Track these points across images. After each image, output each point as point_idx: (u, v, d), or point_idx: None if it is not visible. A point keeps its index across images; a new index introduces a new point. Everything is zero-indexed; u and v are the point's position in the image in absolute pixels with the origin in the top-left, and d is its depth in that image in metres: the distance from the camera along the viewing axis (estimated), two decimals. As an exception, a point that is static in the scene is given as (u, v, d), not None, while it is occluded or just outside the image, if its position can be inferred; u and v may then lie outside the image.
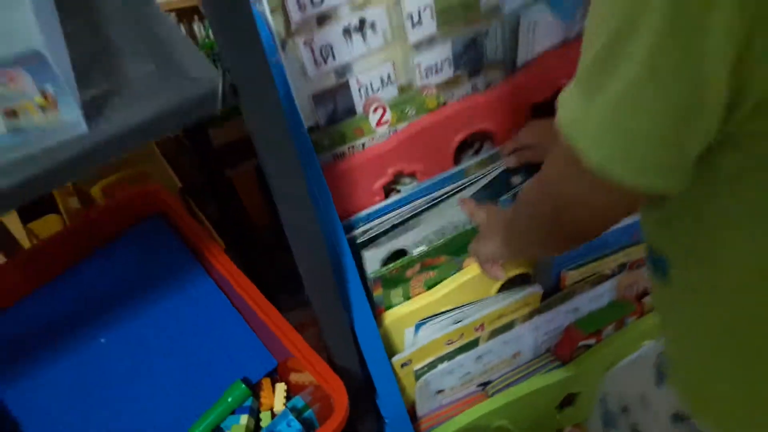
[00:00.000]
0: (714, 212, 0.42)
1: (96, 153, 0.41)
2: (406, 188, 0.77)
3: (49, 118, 0.39)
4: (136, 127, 0.41)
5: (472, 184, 0.76)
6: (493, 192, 0.79)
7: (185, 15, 1.09)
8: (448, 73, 0.71)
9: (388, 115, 0.71)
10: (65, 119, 0.39)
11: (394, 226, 0.75)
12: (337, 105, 0.68)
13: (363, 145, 0.72)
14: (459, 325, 0.82)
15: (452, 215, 0.78)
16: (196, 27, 1.14)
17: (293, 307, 1.01)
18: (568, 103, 0.39)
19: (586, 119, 0.37)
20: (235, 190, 1.12)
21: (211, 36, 1.08)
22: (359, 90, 0.68)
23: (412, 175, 0.76)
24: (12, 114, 0.38)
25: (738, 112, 0.34)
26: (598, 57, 0.35)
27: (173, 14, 1.02)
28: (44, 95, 0.38)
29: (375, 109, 0.70)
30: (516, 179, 0.80)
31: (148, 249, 0.82)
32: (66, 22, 0.48)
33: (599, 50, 0.35)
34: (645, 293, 0.97)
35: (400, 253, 0.78)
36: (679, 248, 0.48)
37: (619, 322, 0.94)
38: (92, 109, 0.42)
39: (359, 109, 0.69)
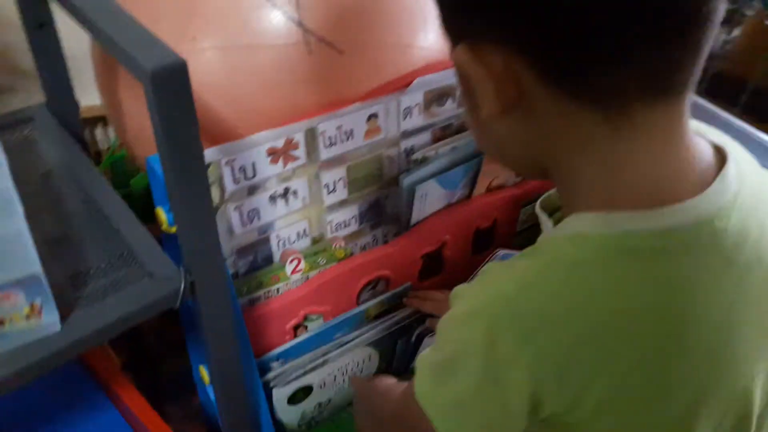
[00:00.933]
0: None
1: (66, 350, 0.46)
2: (313, 325, 0.86)
3: (31, 324, 0.44)
4: (102, 328, 0.47)
5: (374, 328, 0.87)
6: (396, 334, 0.91)
7: (90, 122, 1.15)
8: (354, 227, 0.83)
9: (302, 265, 0.81)
10: (45, 322, 0.45)
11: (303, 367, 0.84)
12: (257, 256, 0.77)
13: (278, 290, 0.81)
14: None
15: (356, 355, 0.88)
16: (99, 133, 1.19)
17: (183, 417, 1.04)
18: (424, 376, 0.49)
19: (432, 400, 0.48)
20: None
21: (115, 146, 1.12)
22: (278, 243, 0.78)
23: (320, 314, 0.86)
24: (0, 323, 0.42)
25: (536, 417, 0.48)
26: (439, 363, 0.48)
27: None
28: (32, 306, 0.43)
29: (291, 260, 0.79)
30: (419, 329, 0.93)
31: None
32: (29, 210, 0.53)
33: (441, 359, 0.48)
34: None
35: (306, 389, 0.86)
36: None
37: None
38: (63, 307, 0.47)
39: (276, 258, 0.79)
